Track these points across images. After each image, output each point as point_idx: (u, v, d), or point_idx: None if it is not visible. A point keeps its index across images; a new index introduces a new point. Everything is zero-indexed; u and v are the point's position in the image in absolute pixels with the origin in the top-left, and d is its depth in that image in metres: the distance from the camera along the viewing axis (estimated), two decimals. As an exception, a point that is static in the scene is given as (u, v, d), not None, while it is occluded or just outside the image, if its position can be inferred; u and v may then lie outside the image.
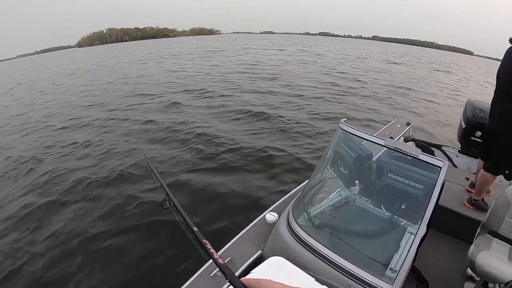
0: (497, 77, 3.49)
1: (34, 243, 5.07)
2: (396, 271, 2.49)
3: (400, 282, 2.42)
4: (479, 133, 4.51)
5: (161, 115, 12.40)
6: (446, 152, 5.35)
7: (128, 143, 9.30)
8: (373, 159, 3.26)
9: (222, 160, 7.98)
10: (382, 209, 3.10)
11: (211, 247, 0.78)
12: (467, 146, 4.91)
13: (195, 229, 0.88)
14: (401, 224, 2.98)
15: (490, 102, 3.69)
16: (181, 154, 8.46)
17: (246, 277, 2.27)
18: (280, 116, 11.72)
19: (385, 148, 2.85)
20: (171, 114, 12.48)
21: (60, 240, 5.07)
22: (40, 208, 6.15)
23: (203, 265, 2.88)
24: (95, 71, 31.57)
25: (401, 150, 2.72)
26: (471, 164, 4.92)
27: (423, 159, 2.61)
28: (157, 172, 1.63)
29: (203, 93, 16.68)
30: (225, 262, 2.90)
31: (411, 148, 2.68)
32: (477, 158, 4.66)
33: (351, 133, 3.05)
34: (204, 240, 0.81)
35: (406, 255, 2.47)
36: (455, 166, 5.14)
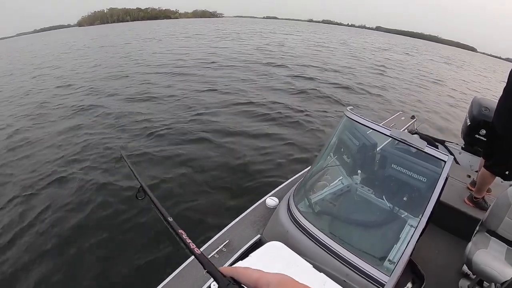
0: (509, 75, 3.45)
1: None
2: (395, 262, 2.47)
3: (397, 274, 2.41)
4: (483, 131, 4.48)
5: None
6: (449, 148, 5.32)
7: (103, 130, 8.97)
8: (377, 149, 3.21)
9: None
10: (383, 199, 3.08)
11: (187, 237, 0.76)
12: (471, 143, 4.89)
13: (170, 219, 0.86)
14: (402, 216, 2.96)
15: (497, 100, 3.66)
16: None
17: (244, 260, 2.26)
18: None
19: (390, 139, 2.81)
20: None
21: (30, 232, 4.92)
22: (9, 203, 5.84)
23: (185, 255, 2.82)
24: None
25: (406, 141, 2.68)
26: (473, 162, 4.90)
27: (428, 152, 2.58)
28: (130, 163, 1.57)
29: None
30: (223, 245, 2.91)
31: (416, 140, 2.65)
32: (480, 156, 4.63)
33: (356, 121, 3.00)
34: (180, 231, 0.79)
35: (405, 248, 2.45)
36: (457, 162, 5.12)
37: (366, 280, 2.46)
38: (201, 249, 2.43)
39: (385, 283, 2.39)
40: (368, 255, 2.58)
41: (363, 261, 2.49)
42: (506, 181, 4.05)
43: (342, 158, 3.47)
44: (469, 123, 4.68)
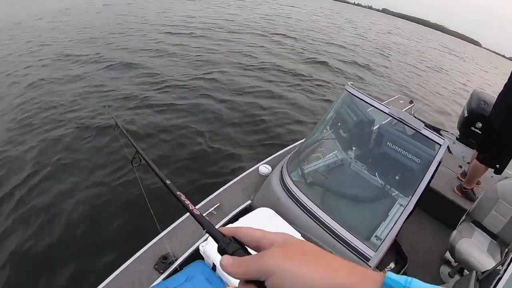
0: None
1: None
2: (381, 239, 2.51)
3: (383, 251, 2.44)
4: (479, 125, 4.50)
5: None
6: (444, 137, 5.32)
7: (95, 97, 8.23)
8: (375, 126, 3.20)
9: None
10: (376, 176, 3.08)
11: (185, 199, 0.75)
12: (466, 135, 4.90)
13: (168, 182, 0.84)
14: (393, 194, 2.98)
15: (497, 96, 3.67)
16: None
17: (234, 224, 2.26)
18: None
19: (388, 118, 2.80)
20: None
21: (24, 201, 4.66)
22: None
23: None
24: None
25: (404, 120, 2.67)
26: (466, 153, 4.94)
27: (424, 134, 2.57)
28: (125, 130, 1.53)
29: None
30: (214, 208, 2.91)
31: (414, 121, 2.63)
32: (473, 148, 4.66)
33: (356, 96, 2.97)
34: (178, 193, 0.78)
35: (393, 226, 2.48)
36: (450, 152, 5.16)
37: (352, 253, 2.49)
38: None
39: (370, 257, 2.42)
40: (356, 229, 2.60)
41: (351, 235, 2.51)
42: (495, 176, 4.10)
43: (339, 132, 3.47)
44: (466, 115, 4.68)
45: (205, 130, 6.83)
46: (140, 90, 8.43)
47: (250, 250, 0.57)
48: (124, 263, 2.47)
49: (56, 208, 4.45)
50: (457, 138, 5.14)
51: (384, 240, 2.46)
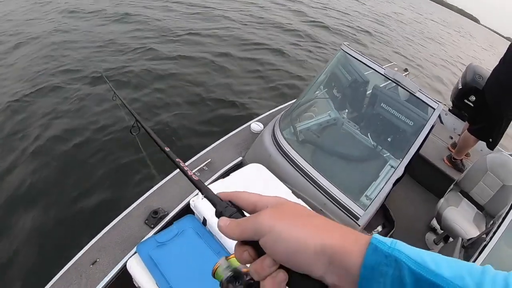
0: (509, 47, 3.50)
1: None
2: (371, 199, 2.53)
3: (372, 211, 2.46)
4: (473, 98, 4.49)
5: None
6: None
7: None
8: (369, 87, 3.17)
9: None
10: (368, 137, 3.07)
11: (184, 165, 0.77)
12: (459, 107, 4.90)
13: (167, 149, 0.87)
14: (384, 155, 2.99)
15: (491, 70, 3.70)
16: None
17: (225, 179, 2.26)
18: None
19: (383, 79, 2.77)
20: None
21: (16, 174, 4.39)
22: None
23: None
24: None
25: (399, 82, 2.64)
26: (457, 125, 4.95)
27: (419, 97, 2.55)
28: (123, 99, 1.50)
29: None
30: (205, 164, 2.91)
31: (409, 83, 2.60)
32: (464, 120, 4.69)
33: (352, 55, 2.93)
34: (177, 159, 0.80)
35: (383, 186, 2.49)
36: (441, 122, 5.18)
37: (342, 211, 2.51)
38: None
39: (359, 216, 2.45)
40: (347, 188, 2.61)
41: (341, 193, 2.52)
42: (485, 150, 4.17)
43: (333, 92, 3.43)
44: (461, 87, 4.67)
45: (201, 81, 6.78)
46: (137, 42, 8.25)
47: (246, 214, 0.58)
48: (115, 218, 2.48)
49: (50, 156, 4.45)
50: (449, 110, 5.14)
51: (374, 199, 2.48)
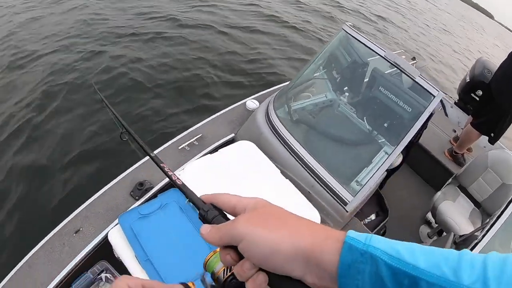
0: None
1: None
2: (362, 185, 2.47)
3: (361, 197, 2.41)
4: (480, 92, 4.41)
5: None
6: (442, 99, 5.28)
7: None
8: (368, 69, 3.08)
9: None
10: (364, 121, 3.02)
11: (169, 170, 0.80)
12: (464, 101, 4.82)
13: (152, 154, 0.93)
14: (379, 141, 2.93)
15: (500, 64, 3.63)
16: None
17: (213, 154, 2.23)
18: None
19: (384, 62, 2.67)
20: None
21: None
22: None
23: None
24: None
25: (399, 66, 2.56)
26: (461, 119, 4.88)
27: (419, 82, 2.47)
28: (110, 105, 1.47)
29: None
30: (196, 138, 2.88)
31: (410, 68, 2.52)
32: (469, 114, 4.63)
33: (353, 36, 2.84)
34: (162, 164, 0.84)
35: (375, 173, 2.43)
36: (446, 115, 5.12)
37: (330, 195, 2.47)
38: (173, 140, 2.43)
39: (348, 202, 2.40)
40: (338, 171, 2.56)
41: (331, 176, 2.47)
42: (488, 147, 4.09)
43: (331, 73, 3.35)
44: (468, 81, 4.58)
45: (195, 58, 6.66)
46: (131, 20, 8.01)
47: (230, 216, 0.60)
48: (101, 188, 2.48)
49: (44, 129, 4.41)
50: (455, 103, 5.06)
51: (364, 186, 2.43)
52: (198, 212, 0.61)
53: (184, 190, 0.69)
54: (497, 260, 0.41)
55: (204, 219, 0.60)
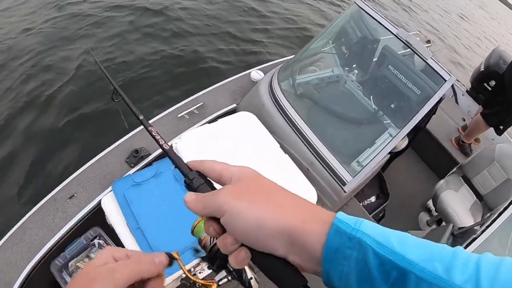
0: None
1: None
2: (362, 166, 2.41)
3: (361, 178, 2.36)
4: (493, 83, 4.31)
5: None
6: (454, 86, 5.23)
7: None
8: (379, 46, 2.96)
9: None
10: (370, 100, 2.92)
11: (156, 133, 0.77)
12: (477, 90, 4.74)
13: (141, 117, 0.91)
14: (384, 122, 2.84)
15: None
16: None
17: (212, 124, 2.18)
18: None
19: (396, 40, 2.55)
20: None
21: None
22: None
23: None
24: None
25: (411, 45, 2.45)
26: (472, 108, 4.79)
27: (431, 65, 2.36)
28: (102, 66, 1.42)
29: None
30: (196, 107, 2.82)
31: (423, 49, 2.42)
32: (480, 104, 4.54)
33: (365, 11, 2.71)
34: (150, 128, 0.80)
35: (377, 154, 2.37)
36: (457, 102, 5.04)
37: (329, 174, 2.42)
38: (173, 108, 2.38)
39: (346, 182, 2.35)
40: (339, 150, 2.50)
41: (331, 154, 2.41)
42: (497, 139, 4.05)
43: (341, 48, 3.25)
44: (482, 70, 4.47)
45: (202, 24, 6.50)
46: None
47: (216, 185, 0.58)
48: (97, 155, 2.47)
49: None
50: (467, 91, 4.96)
51: (364, 167, 2.38)
52: (184, 179, 0.59)
53: (170, 155, 0.67)
54: (491, 262, 0.39)
55: (189, 187, 0.58)
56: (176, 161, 0.64)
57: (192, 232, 0.69)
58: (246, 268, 0.68)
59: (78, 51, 5.13)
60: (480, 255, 0.40)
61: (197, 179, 0.57)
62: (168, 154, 0.68)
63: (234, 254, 0.50)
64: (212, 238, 0.65)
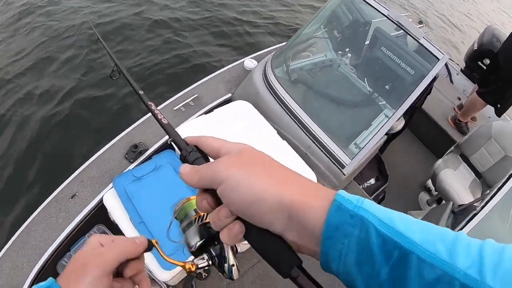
0: None
1: None
2: (360, 148, 2.43)
3: (359, 160, 2.38)
4: (487, 61, 4.29)
5: None
6: (448, 65, 5.22)
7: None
8: (371, 28, 2.96)
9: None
10: (364, 82, 2.93)
11: (155, 108, 0.78)
12: (471, 68, 4.72)
13: (141, 92, 0.89)
14: (379, 103, 2.85)
15: (510, 33, 3.47)
16: None
17: (208, 114, 2.19)
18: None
19: (388, 21, 2.55)
20: None
21: None
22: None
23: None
24: None
25: (403, 26, 2.45)
26: (467, 87, 4.79)
27: (423, 44, 2.37)
28: (104, 41, 1.40)
29: None
30: (191, 99, 2.82)
31: (414, 29, 2.42)
32: (475, 82, 4.53)
33: None
34: (149, 102, 0.81)
35: (374, 136, 2.39)
36: (451, 81, 5.03)
37: (328, 157, 2.43)
38: (169, 101, 2.39)
39: (345, 164, 2.37)
40: (336, 133, 2.52)
41: (328, 138, 2.43)
42: (493, 117, 4.02)
43: (332, 32, 3.25)
44: (476, 48, 4.45)
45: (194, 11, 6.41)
46: None
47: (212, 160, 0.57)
48: (96, 152, 2.47)
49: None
50: (461, 70, 4.96)
51: (362, 149, 2.40)
52: (179, 153, 0.59)
53: (168, 130, 0.68)
54: (495, 249, 0.38)
55: (185, 161, 0.57)
56: (174, 136, 0.64)
57: (175, 214, 0.69)
58: (230, 253, 0.67)
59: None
60: (482, 241, 0.39)
61: (194, 153, 0.57)
62: (165, 128, 0.69)
63: (227, 228, 0.49)
64: (197, 219, 0.65)
